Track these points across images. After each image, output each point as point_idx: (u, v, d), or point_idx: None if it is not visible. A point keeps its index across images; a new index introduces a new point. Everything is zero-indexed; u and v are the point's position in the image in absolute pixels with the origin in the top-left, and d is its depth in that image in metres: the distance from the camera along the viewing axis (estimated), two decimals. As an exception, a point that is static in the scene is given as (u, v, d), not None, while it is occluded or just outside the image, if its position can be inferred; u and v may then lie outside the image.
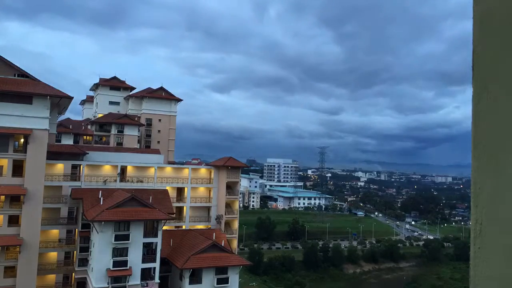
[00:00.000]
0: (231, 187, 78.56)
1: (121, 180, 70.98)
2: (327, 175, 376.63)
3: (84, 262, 63.44)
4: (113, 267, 55.04)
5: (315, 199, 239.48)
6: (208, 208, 78.12)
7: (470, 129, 2.04)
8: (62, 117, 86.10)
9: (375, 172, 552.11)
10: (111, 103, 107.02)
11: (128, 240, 56.10)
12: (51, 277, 64.22)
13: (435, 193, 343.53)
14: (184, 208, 76.05)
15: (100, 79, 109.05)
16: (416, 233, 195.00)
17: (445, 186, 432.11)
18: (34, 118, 56.96)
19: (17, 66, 59.80)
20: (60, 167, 67.56)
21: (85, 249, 63.21)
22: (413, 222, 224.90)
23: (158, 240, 58.43)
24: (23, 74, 59.93)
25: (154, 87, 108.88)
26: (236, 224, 79.60)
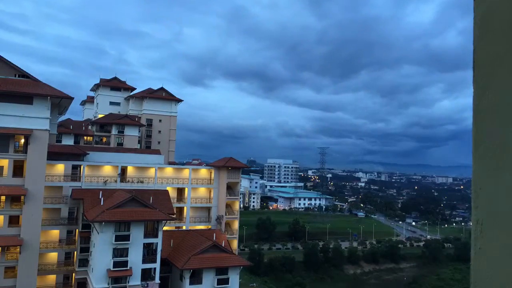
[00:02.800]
0: (231, 188, 78.56)
1: (121, 181, 71.01)
2: (327, 175, 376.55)
3: (84, 262, 63.47)
4: (113, 267, 55.04)
5: (315, 200, 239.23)
6: (208, 209, 78.12)
7: (470, 128, 2.04)
8: (63, 118, 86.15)
9: (376, 173, 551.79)
10: (111, 103, 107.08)
11: (129, 240, 56.09)
12: (52, 278, 64.26)
13: (435, 194, 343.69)
14: (185, 208, 76.06)
15: (101, 79, 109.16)
16: (415, 233, 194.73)
17: (445, 187, 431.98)
18: (34, 119, 56.98)
19: (17, 67, 59.88)
20: (60, 167, 67.60)
21: (86, 249, 63.23)
22: (413, 223, 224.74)
23: (158, 241, 58.42)
24: (24, 75, 59.98)
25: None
26: (236, 225, 79.60)
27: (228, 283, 60.18)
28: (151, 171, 73.97)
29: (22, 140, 58.37)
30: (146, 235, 57.62)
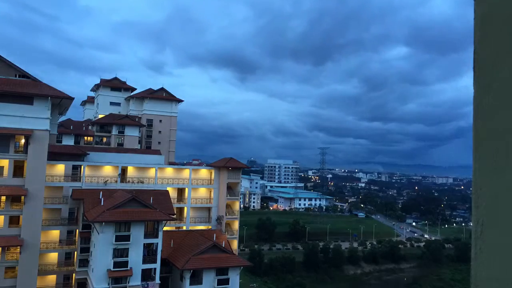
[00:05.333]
0: (231, 188, 78.54)
1: (121, 181, 70.99)
2: (327, 176, 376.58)
3: (84, 262, 63.46)
4: (113, 267, 55.04)
5: (315, 200, 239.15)
6: (208, 209, 78.10)
7: (471, 126, 2.04)
8: (63, 118, 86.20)
9: (376, 173, 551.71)
10: (112, 103, 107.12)
11: (129, 240, 56.09)
12: (52, 278, 64.22)
13: (436, 194, 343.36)
14: (185, 209, 76.04)
15: (101, 79, 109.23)
16: (416, 234, 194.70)
17: (446, 187, 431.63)
18: (35, 119, 57.01)
19: (18, 67, 59.91)
20: (61, 167, 67.60)
21: (86, 249, 63.21)
22: (414, 223, 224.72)
23: (158, 241, 58.42)
24: (24, 75, 60.01)
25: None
26: (236, 225, 79.58)
27: (228, 284, 60.16)
28: (152, 172, 73.96)
29: (23, 140, 58.40)
30: (146, 235, 57.61)
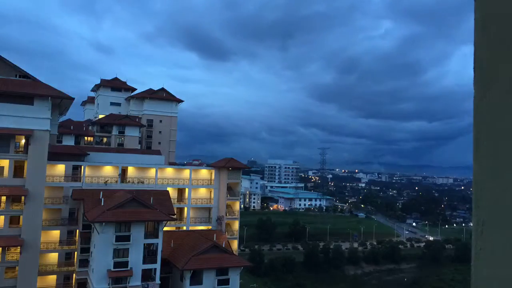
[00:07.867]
0: (231, 188, 78.52)
1: (122, 181, 71.03)
2: (328, 176, 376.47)
3: (85, 263, 63.49)
4: (113, 268, 55.05)
5: (316, 200, 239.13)
6: (208, 209, 78.11)
7: (471, 128, 2.04)
8: (63, 118, 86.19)
9: (376, 174, 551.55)
10: (112, 104, 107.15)
11: (129, 241, 56.09)
12: (52, 278, 64.27)
13: (436, 195, 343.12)
14: (185, 209, 76.06)
15: (102, 80, 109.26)
16: (416, 234, 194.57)
17: (446, 188, 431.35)
18: (35, 119, 56.99)
19: (18, 67, 59.91)
20: (61, 168, 67.63)
21: (86, 250, 63.24)
22: (414, 224, 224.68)
23: (159, 241, 58.42)
24: (24, 75, 59.98)
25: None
26: (236, 225, 79.57)
27: (228, 284, 60.14)
28: (152, 172, 73.98)
29: (23, 141, 58.40)
30: (146, 236, 57.61)
